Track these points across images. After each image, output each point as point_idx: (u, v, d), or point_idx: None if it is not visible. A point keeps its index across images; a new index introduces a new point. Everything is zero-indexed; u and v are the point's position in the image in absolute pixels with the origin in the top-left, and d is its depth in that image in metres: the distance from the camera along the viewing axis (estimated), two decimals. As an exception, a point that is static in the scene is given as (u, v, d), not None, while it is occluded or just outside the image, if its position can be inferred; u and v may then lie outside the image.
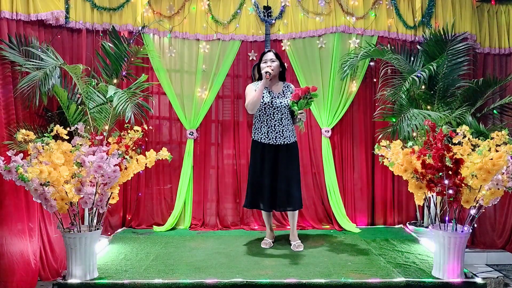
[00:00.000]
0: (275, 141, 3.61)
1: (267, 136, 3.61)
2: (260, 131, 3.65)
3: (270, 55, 3.64)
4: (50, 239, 3.53)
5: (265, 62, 3.62)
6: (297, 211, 3.73)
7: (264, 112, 3.61)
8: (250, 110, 3.63)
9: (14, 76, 3.47)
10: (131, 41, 4.14)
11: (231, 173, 4.59)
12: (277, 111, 3.59)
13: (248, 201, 3.74)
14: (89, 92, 3.65)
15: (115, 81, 3.94)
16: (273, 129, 3.60)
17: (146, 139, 4.17)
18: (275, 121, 3.60)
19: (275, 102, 3.58)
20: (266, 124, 3.62)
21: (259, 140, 3.66)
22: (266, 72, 3.51)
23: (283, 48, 4.55)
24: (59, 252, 3.56)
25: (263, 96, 3.59)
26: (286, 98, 3.61)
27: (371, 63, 4.58)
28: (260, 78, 3.69)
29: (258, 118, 3.65)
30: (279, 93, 3.63)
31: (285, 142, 3.62)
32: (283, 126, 3.60)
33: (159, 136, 4.58)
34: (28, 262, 3.26)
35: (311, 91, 3.36)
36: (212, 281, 2.88)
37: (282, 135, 3.60)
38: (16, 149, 3.17)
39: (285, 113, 3.60)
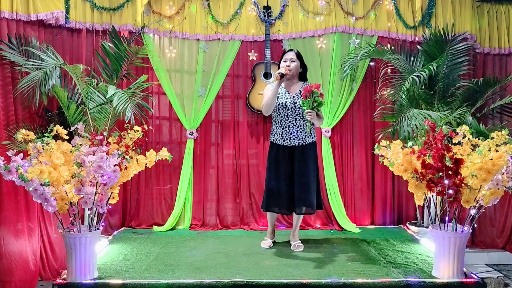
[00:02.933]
0: (289, 143, 3.56)
1: (281, 137, 3.58)
2: (275, 132, 3.62)
3: (290, 55, 3.59)
4: (50, 239, 3.53)
5: (285, 61, 3.57)
6: (314, 212, 3.72)
7: (279, 113, 3.57)
8: (265, 112, 3.59)
9: (13, 76, 3.47)
10: (131, 41, 4.14)
11: (231, 173, 4.59)
12: (291, 112, 3.54)
13: (265, 203, 3.68)
14: (89, 92, 3.65)
15: (115, 81, 3.94)
16: (287, 130, 3.56)
17: (146, 139, 4.16)
18: (289, 122, 3.55)
19: (290, 102, 3.53)
20: (280, 125, 3.58)
21: (274, 142, 3.63)
22: (278, 73, 3.45)
23: (283, 48, 4.54)
24: (59, 252, 3.56)
25: (278, 97, 3.55)
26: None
27: (371, 63, 4.58)
28: (283, 76, 3.57)
29: (274, 119, 3.63)
30: (295, 94, 3.57)
31: (300, 144, 3.56)
32: (298, 127, 3.54)
33: (159, 136, 4.58)
34: (28, 262, 3.26)
35: (314, 88, 3.27)
36: (212, 281, 2.88)
37: (296, 136, 3.55)
38: (15, 149, 3.17)
39: (299, 113, 3.53)
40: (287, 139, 3.57)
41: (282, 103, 3.54)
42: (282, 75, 3.46)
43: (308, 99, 3.30)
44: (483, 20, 4.61)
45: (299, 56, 3.63)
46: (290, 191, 3.57)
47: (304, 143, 3.57)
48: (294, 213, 3.67)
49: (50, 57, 3.58)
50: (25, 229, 3.27)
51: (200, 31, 4.48)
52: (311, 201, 3.59)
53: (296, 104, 3.52)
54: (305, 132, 3.56)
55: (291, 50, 3.66)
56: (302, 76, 3.67)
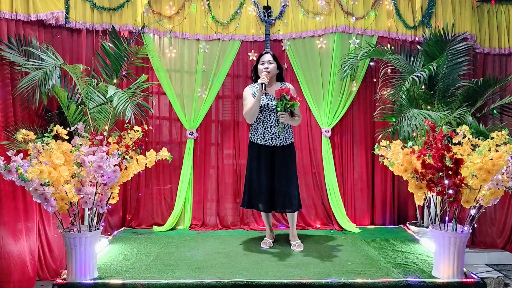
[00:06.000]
0: (271, 143, 3.60)
1: (263, 137, 3.61)
2: (256, 132, 3.65)
3: (267, 57, 3.64)
4: (49, 239, 3.52)
5: (263, 63, 3.62)
6: (296, 212, 3.74)
7: (261, 114, 3.61)
8: (248, 120, 3.64)
9: (13, 77, 3.47)
10: (131, 41, 4.14)
11: (231, 173, 4.60)
12: (273, 113, 3.58)
13: (246, 201, 3.75)
14: (89, 92, 3.65)
15: (115, 81, 3.94)
16: (269, 131, 3.60)
17: (146, 139, 4.17)
18: (271, 122, 3.59)
19: (271, 104, 3.57)
20: (262, 126, 3.61)
21: (255, 142, 3.66)
22: (262, 84, 3.48)
23: (283, 48, 4.55)
24: (58, 252, 3.56)
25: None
26: None
27: (371, 63, 4.58)
28: (257, 79, 3.67)
29: (255, 119, 3.64)
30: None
31: (281, 144, 3.62)
32: (279, 127, 3.58)
33: (159, 136, 4.58)
34: (26, 263, 3.25)
35: (284, 92, 3.35)
36: (212, 281, 2.88)
37: (278, 136, 3.60)
38: (14, 150, 3.17)
39: None
40: (268, 139, 3.60)
41: (264, 104, 3.58)
42: (265, 86, 3.50)
43: (281, 101, 3.38)
44: (483, 20, 4.62)
45: (275, 58, 3.69)
46: (271, 190, 3.62)
47: (285, 143, 3.62)
48: (275, 211, 3.78)
49: (50, 57, 3.58)
50: (23, 229, 3.27)
51: (200, 31, 4.48)
52: (297, 198, 3.66)
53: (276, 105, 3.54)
54: (287, 133, 3.62)
55: (267, 52, 3.71)
56: (279, 77, 3.73)
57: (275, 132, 3.59)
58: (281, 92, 3.36)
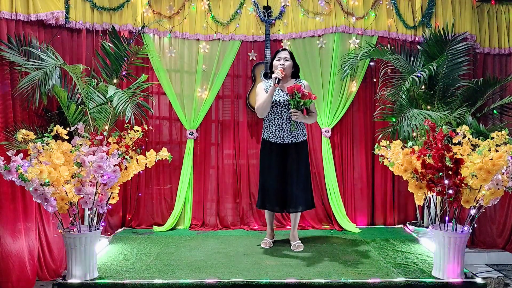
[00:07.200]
0: (282, 140, 3.58)
1: (275, 135, 3.59)
2: (269, 129, 3.62)
3: (284, 54, 3.62)
4: (48, 239, 3.52)
5: (279, 60, 3.59)
6: (299, 212, 3.73)
7: (272, 111, 3.58)
8: (259, 115, 3.61)
9: (12, 77, 3.46)
10: (131, 41, 4.13)
11: (231, 173, 4.59)
12: (285, 109, 3.55)
13: (259, 202, 3.73)
14: (89, 92, 3.65)
15: (115, 81, 3.94)
16: (281, 128, 3.57)
17: (146, 139, 4.17)
18: (283, 119, 3.56)
19: (284, 100, 3.54)
20: (274, 123, 3.59)
21: (267, 139, 3.64)
22: (275, 78, 3.46)
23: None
24: (58, 252, 3.56)
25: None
26: None
27: (371, 63, 4.58)
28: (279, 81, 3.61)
29: (267, 116, 3.62)
30: None
31: (294, 141, 3.59)
32: (291, 125, 3.56)
33: (159, 136, 4.58)
34: (25, 263, 3.25)
35: (295, 89, 3.33)
36: (212, 281, 2.89)
37: (290, 133, 3.57)
38: (14, 150, 3.17)
39: None
40: (280, 137, 3.58)
41: (276, 100, 3.55)
42: (279, 80, 3.47)
43: (293, 99, 3.36)
44: (483, 20, 4.62)
45: (292, 55, 3.68)
46: (283, 189, 3.59)
47: (297, 141, 3.59)
48: (287, 211, 3.71)
49: (50, 57, 3.57)
50: (22, 229, 3.27)
51: (200, 31, 4.48)
52: (306, 199, 3.63)
53: (289, 102, 3.53)
54: (300, 130, 3.59)
55: (284, 49, 3.70)
56: (294, 74, 3.71)
57: (287, 130, 3.56)
58: (292, 90, 3.34)
